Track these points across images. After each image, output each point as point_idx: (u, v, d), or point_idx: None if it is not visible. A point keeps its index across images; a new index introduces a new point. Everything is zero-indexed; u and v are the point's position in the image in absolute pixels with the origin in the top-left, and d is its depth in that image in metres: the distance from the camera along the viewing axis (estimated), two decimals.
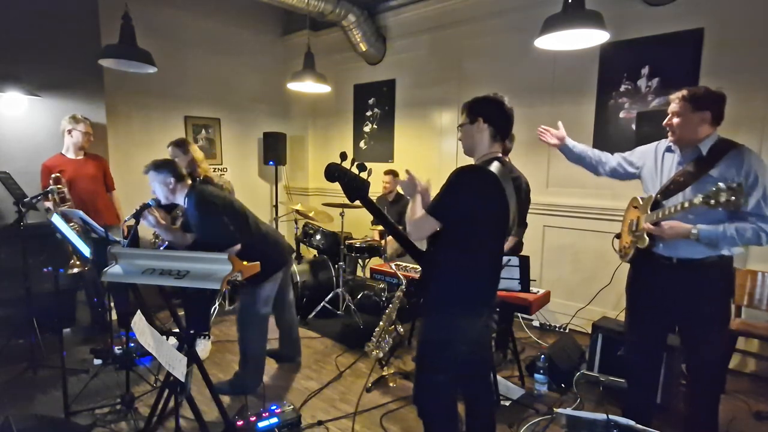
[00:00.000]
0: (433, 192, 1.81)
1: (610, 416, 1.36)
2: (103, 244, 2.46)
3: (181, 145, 3.09)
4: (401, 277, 3.26)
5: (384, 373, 3.04)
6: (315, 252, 4.86)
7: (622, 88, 3.59)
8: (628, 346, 2.43)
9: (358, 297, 4.21)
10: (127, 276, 1.92)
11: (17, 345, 3.16)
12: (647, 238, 2.04)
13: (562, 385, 2.92)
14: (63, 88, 3.78)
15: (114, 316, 3.55)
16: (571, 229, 3.94)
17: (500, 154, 1.83)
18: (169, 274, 1.87)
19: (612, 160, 2.35)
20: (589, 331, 3.10)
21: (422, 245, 1.91)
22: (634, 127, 3.49)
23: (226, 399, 2.69)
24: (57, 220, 2.72)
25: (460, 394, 2.00)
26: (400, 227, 1.94)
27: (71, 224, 2.87)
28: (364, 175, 1.87)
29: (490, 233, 1.78)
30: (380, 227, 4.48)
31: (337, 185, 1.91)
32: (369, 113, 5.36)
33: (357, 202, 1.92)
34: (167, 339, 1.99)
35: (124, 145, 4.41)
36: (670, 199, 2.01)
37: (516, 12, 4.00)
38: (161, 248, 3.28)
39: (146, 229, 2.93)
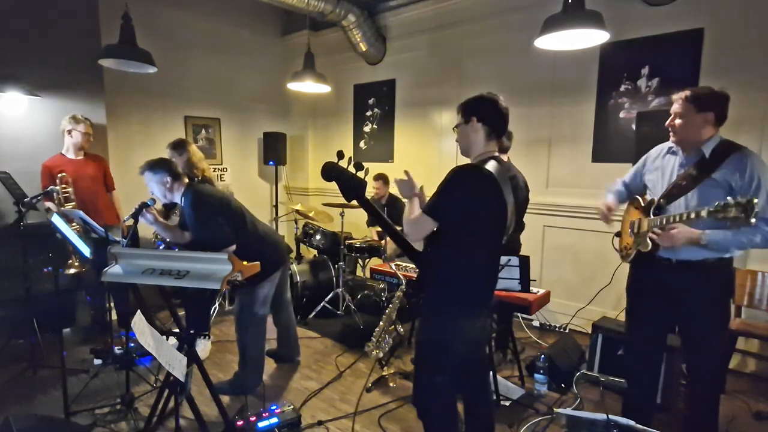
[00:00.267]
0: (429, 193, 1.80)
1: (610, 416, 1.36)
2: (103, 244, 2.46)
3: (176, 147, 3.05)
4: (401, 277, 3.26)
5: (384, 373, 3.04)
6: (315, 252, 4.86)
7: (622, 88, 3.59)
8: (628, 346, 2.43)
9: (358, 297, 4.21)
10: (127, 276, 1.92)
11: (17, 345, 3.17)
12: (650, 243, 2.02)
13: (562, 385, 2.92)
14: (63, 88, 3.79)
15: (114, 316, 3.55)
16: (571, 229, 3.94)
17: (497, 153, 1.82)
18: (169, 274, 1.87)
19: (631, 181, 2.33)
20: (589, 331, 3.10)
21: (419, 245, 1.90)
22: (634, 127, 3.49)
23: (226, 399, 2.69)
24: (57, 220, 2.72)
25: (459, 395, 2.00)
26: (398, 227, 1.94)
27: (71, 224, 2.88)
28: (361, 174, 1.85)
29: (488, 233, 1.77)
30: (377, 227, 4.47)
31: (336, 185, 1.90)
32: (369, 113, 5.36)
33: (355, 202, 1.91)
34: (167, 339, 2.00)
35: (124, 145, 4.42)
36: (673, 203, 2.00)
37: (516, 12, 4.00)
38: (160, 246, 3.29)
39: (146, 229, 2.93)
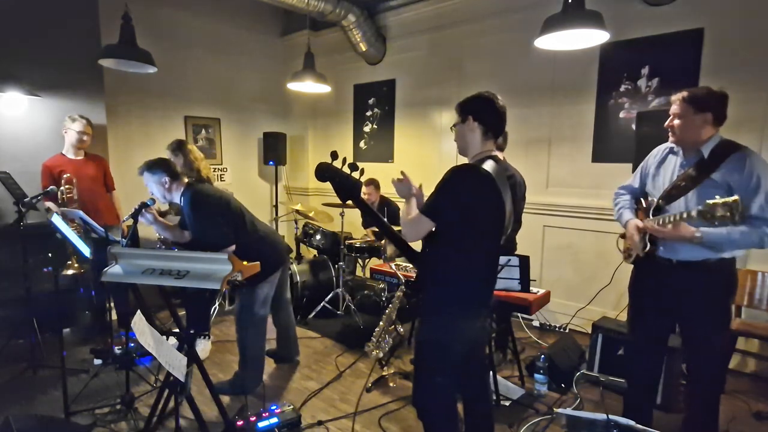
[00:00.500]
0: (428, 192, 1.80)
1: (610, 416, 1.36)
2: (103, 244, 2.46)
3: (175, 149, 3.06)
4: (401, 277, 3.26)
5: (384, 373, 3.04)
6: (315, 252, 4.86)
7: (622, 88, 3.59)
8: (630, 346, 2.42)
9: (358, 297, 4.21)
10: (127, 276, 1.92)
11: (17, 345, 3.17)
12: (648, 243, 2.03)
13: (562, 385, 2.92)
14: (63, 88, 3.79)
15: (114, 316, 3.55)
16: (570, 229, 3.94)
17: (494, 152, 1.82)
18: (169, 274, 1.87)
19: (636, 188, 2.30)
20: (589, 331, 3.10)
21: (417, 245, 1.90)
22: (634, 127, 3.49)
23: (226, 399, 2.69)
24: (57, 220, 2.72)
25: (458, 395, 2.00)
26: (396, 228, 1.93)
27: (71, 224, 2.88)
28: (356, 175, 1.84)
29: (486, 233, 1.77)
30: (373, 228, 4.47)
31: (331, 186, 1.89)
32: (369, 113, 5.36)
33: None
34: (167, 339, 1.99)
35: (124, 145, 4.42)
36: (672, 204, 1.99)
37: (516, 12, 4.00)
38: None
39: (147, 229, 2.93)
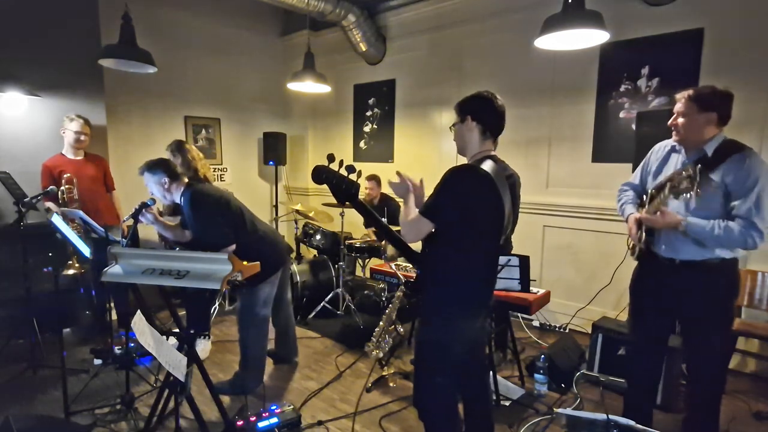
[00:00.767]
0: (429, 191, 1.80)
1: (610, 416, 1.36)
2: (103, 244, 2.46)
3: (174, 150, 3.05)
4: (401, 277, 3.26)
5: (384, 373, 3.04)
6: (315, 252, 4.86)
7: (622, 88, 3.59)
8: (630, 346, 2.42)
9: (358, 297, 4.21)
10: (127, 276, 1.92)
11: (17, 345, 3.17)
12: (644, 234, 2.05)
13: (562, 385, 2.92)
14: (63, 88, 3.79)
15: (114, 316, 3.55)
16: (570, 229, 3.94)
17: (493, 152, 1.82)
18: (169, 274, 1.87)
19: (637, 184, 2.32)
20: (589, 331, 3.10)
21: (416, 246, 1.89)
22: (634, 127, 3.49)
23: (226, 399, 2.69)
24: (57, 220, 2.72)
25: (458, 395, 2.00)
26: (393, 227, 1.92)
27: (72, 224, 2.88)
28: (353, 177, 1.83)
29: (485, 233, 1.76)
30: (374, 228, 4.47)
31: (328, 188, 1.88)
32: (369, 113, 5.36)
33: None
34: (167, 339, 1.99)
35: (124, 145, 4.42)
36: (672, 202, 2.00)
37: (516, 12, 4.00)
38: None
39: (147, 229, 2.93)
